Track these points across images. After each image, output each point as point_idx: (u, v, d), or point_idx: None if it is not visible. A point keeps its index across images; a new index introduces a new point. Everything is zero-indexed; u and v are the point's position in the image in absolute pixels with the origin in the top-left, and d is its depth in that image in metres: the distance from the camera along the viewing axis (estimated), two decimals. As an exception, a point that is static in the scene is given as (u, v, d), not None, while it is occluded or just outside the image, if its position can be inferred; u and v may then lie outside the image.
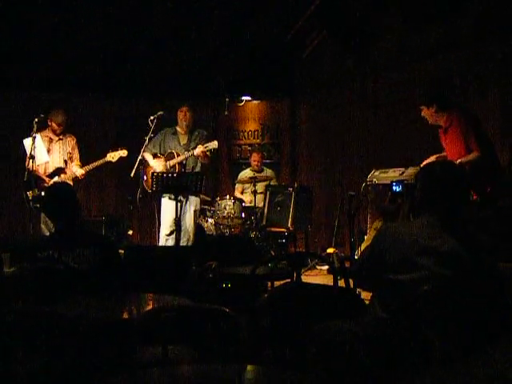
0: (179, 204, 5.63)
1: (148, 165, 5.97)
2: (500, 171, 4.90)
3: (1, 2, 6.24)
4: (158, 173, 5.63)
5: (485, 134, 4.87)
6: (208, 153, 5.89)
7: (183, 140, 6.08)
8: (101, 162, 6.03)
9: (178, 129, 6.11)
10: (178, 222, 5.61)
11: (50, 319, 2.26)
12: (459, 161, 4.61)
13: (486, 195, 4.66)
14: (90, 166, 6.05)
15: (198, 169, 6.03)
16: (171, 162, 5.91)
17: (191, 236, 5.93)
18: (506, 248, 3.61)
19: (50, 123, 6.01)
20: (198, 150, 5.77)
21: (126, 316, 2.40)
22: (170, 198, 5.87)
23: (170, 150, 5.99)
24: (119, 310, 2.55)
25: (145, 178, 5.91)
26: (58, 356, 2.19)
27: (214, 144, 5.83)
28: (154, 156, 6.01)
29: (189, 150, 5.86)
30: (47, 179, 5.97)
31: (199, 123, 6.39)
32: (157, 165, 5.93)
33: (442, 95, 5.05)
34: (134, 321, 2.21)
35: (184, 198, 5.83)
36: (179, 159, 5.87)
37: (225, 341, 2.54)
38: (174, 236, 5.74)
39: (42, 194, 5.84)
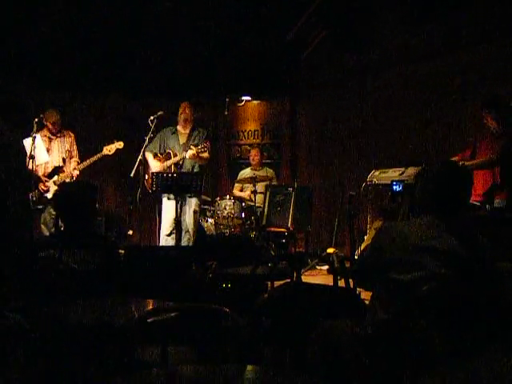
0: (178, 204, 5.62)
1: (149, 165, 5.96)
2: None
3: (1, 1, 6.24)
4: (158, 173, 5.59)
5: None
6: (205, 154, 5.81)
7: (182, 139, 6.02)
8: (98, 156, 6.03)
9: (179, 127, 6.06)
10: (177, 222, 5.59)
11: (49, 323, 2.26)
12: (461, 163, 4.62)
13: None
14: (88, 162, 6.05)
15: (196, 169, 5.95)
16: (168, 163, 5.86)
17: (191, 236, 5.91)
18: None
19: (45, 123, 6.04)
20: (190, 152, 5.69)
21: (123, 321, 2.38)
22: (168, 199, 5.86)
23: (168, 150, 5.96)
24: (117, 315, 2.53)
25: (146, 177, 5.89)
26: (57, 358, 2.19)
27: (205, 146, 5.72)
28: (155, 156, 5.99)
29: (186, 150, 5.80)
30: (46, 179, 5.97)
31: (199, 123, 6.37)
32: (154, 165, 5.90)
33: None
34: (133, 323, 2.20)
35: (182, 198, 5.78)
36: (175, 160, 5.82)
37: (225, 341, 2.54)
38: (173, 236, 5.73)
39: (47, 195, 5.86)
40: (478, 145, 4.99)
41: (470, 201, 4.47)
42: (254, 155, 7.57)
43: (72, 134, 6.25)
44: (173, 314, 2.31)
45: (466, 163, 4.64)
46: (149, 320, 2.19)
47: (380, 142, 7.04)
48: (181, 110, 6.03)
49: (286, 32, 7.37)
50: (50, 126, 6.06)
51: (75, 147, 6.24)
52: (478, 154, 4.96)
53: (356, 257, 5.25)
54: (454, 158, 4.86)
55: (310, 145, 8.27)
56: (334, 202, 7.46)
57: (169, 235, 5.84)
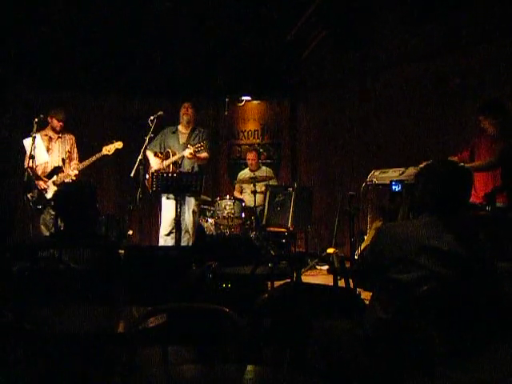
0: (178, 204, 5.61)
1: (149, 164, 5.96)
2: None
3: (1, 1, 6.24)
4: (157, 173, 5.59)
5: None
6: (203, 154, 5.82)
7: (183, 139, 6.01)
8: (97, 156, 6.01)
9: (180, 127, 6.06)
10: (177, 221, 5.59)
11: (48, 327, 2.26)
12: (461, 164, 4.61)
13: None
14: (87, 162, 6.04)
15: (196, 170, 5.94)
16: (166, 162, 5.86)
17: (191, 236, 5.91)
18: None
19: (50, 120, 6.01)
20: (187, 151, 5.69)
21: (120, 330, 2.36)
22: (168, 198, 5.87)
23: (167, 149, 5.96)
24: (115, 322, 2.51)
25: (147, 177, 5.89)
26: (57, 358, 2.19)
27: (202, 145, 5.72)
28: (155, 154, 6.00)
29: (185, 150, 5.79)
30: (45, 179, 5.96)
31: (200, 123, 6.37)
32: (154, 162, 5.92)
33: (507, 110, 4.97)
34: (133, 326, 2.20)
35: (181, 198, 5.78)
36: (173, 159, 5.82)
37: (225, 341, 2.54)
38: (172, 236, 5.73)
39: (47, 196, 5.86)
40: (477, 146, 4.99)
41: (471, 201, 4.48)
42: (252, 159, 7.55)
43: (73, 137, 6.24)
44: (172, 315, 2.31)
45: (466, 165, 4.63)
46: (150, 325, 2.18)
47: (380, 142, 7.04)
48: (183, 111, 6.02)
49: (286, 32, 7.37)
50: (56, 123, 6.00)
51: (75, 150, 6.23)
52: (477, 156, 4.96)
53: (356, 257, 5.25)
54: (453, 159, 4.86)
55: (310, 145, 8.28)
56: (333, 201, 7.46)
57: (168, 235, 5.85)
